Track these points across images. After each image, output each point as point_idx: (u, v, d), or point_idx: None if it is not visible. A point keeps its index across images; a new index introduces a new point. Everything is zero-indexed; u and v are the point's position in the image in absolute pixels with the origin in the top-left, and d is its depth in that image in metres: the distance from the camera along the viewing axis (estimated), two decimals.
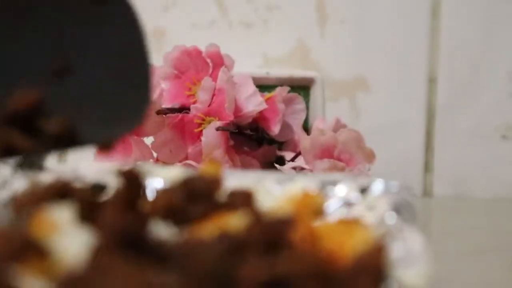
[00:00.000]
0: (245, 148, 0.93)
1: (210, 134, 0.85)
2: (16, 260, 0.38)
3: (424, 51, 1.07)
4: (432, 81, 1.09)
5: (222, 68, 0.88)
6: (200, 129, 0.88)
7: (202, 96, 0.88)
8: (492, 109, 1.07)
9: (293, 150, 0.94)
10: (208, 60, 0.90)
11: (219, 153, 0.86)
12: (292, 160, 0.90)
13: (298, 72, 1.01)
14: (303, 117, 0.96)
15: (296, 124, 0.96)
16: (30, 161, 0.59)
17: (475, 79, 1.07)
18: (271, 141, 0.93)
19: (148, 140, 0.89)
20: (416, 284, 0.40)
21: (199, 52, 0.89)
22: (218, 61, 0.91)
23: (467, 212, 1.05)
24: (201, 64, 0.92)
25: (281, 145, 0.95)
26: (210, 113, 0.88)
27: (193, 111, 0.88)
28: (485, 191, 1.08)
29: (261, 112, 0.91)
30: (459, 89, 1.08)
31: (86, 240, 0.42)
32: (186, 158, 0.88)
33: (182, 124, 0.88)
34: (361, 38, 1.08)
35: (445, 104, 1.08)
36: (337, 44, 1.09)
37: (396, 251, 0.45)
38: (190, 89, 0.91)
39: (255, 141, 0.93)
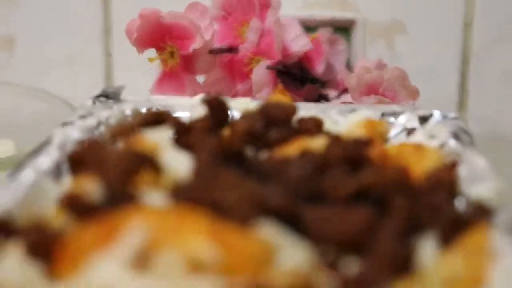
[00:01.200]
0: (290, 87, 0.96)
1: (260, 73, 0.89)
2: (134, 174, 0.42)
3: None
4: (468, 25, 1.12)
5: (270, 9, 0.91)
6: (249, 68, 0.91)
7: (251, 37, 0.91)
8: None
9: (335, 89, 0.98)
10: (255, 1, 0.93)
11: (267, 90, 0.90)
12: (337, 97, 0.94)
13: (339, 14, 1.04)
14: (345, 58, 0.99)
15: (339, 64, 0.99)
16: (110, 93, 0.63)
17: (510, 24, 1.10)
18: (315, 80, 0.97)
19: (200, 79, 0.93)
20: (489, 197, 0.44)
21: None
22: (264, 2, 0.94)
23: (499, 152, 1.08)
24: (248, 5, 0.95)
25: (323, 85, 0.99)
26: (258, 53, 0.92)
27: (242, 51, 0.91)
28: None
29: (305, 53, 0.95)
30: (494, 33, 1.11)
31: (187, 157, 0.46)
32: (236, 95, 0.92)
33: (232, 63, 0.92)
34: None
35: (480, 48, 1.11)
36: None
37: (463, 171, 0.49)
38: (237, 30, 0.95)
39: (299, 81, 0.96)
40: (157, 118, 0.50)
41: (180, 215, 0.38)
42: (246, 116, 0.55)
